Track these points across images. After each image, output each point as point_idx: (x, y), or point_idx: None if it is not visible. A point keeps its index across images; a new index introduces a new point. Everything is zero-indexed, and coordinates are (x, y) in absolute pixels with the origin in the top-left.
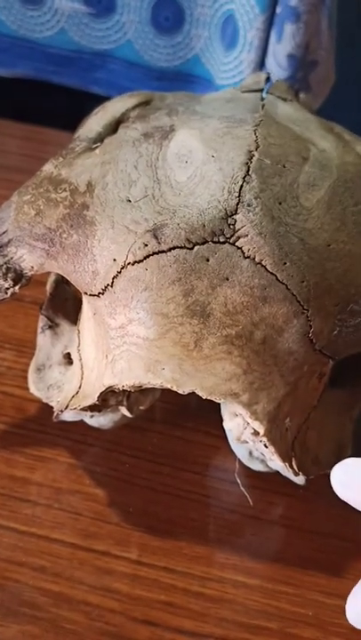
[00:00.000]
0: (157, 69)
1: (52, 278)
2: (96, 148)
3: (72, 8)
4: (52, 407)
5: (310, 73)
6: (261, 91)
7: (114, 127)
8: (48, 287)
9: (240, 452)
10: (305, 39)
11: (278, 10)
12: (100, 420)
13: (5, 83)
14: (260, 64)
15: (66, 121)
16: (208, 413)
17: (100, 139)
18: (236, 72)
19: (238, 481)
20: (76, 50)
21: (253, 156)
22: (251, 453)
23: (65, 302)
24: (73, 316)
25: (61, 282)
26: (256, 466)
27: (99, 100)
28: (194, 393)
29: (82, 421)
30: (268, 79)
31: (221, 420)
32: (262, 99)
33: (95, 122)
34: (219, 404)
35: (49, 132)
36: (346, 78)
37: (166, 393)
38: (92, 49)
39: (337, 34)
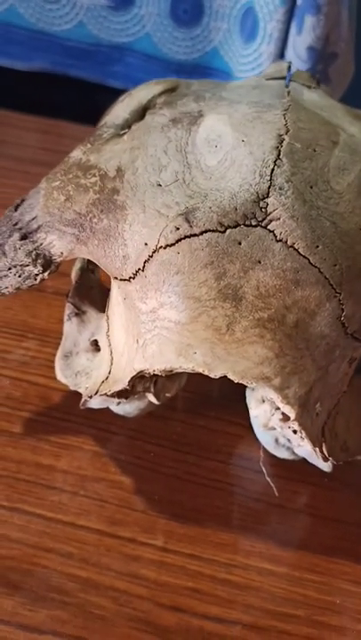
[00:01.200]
0: (176, 62)
1: (76, 266)
2: (124, 134)
3: (91, 1)
4: (76, 395)
5: (330, 65)
6: (284, 78)
7: (141, 114)
8: (73, 275)
9: (266, 439)
10: (325, 31)
11: (299, 2)
12: (126, 408)
13: (22, 76)
14: (280, 56)
15: (77, 113)
16: (230, 402)
17: (127, 125)
18: (255, 64)
19: (263, 469)
20: (94, 43)
21: (284, 139)
22: (277, 441)
23: (90, 290)
24: (99, 303)
25: (86, 270)
26: (282, 453)
27: (112, 92)
28: (217, 381)
29: (106, 410)
30: (289, 68)
31: (244, 410)
32: (287, 85)
33: (121, 109)
34: (240, 393)
35: (65, 125)
36: None
37: (188, 382)
38: (110, 42)
39: (357, 26)
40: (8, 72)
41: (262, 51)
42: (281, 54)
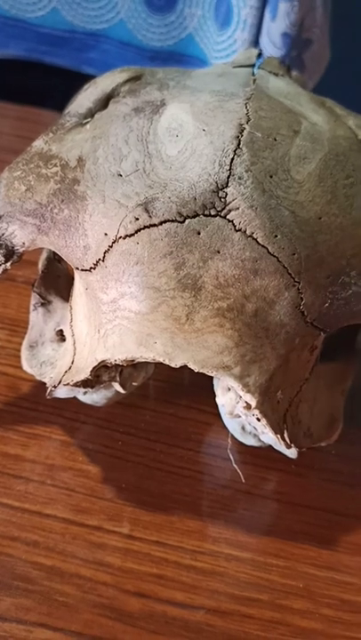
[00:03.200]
0: (150, 49)
1: (43, 256)
2: (87, 123)
3: None
4: (44, 385)
5: (305, 51)
6: (253, 66)
7: (104, 102)
8: (40, 265)
9: (233, 426)
10: (299, 17)
11: None
12: (94, 397)
13: None
14: (255, 43)
15: (60, 102)
16: (201, 390)
17: (90, 114)
18: (230, 51)
19: (231, 457)
20: (68, 30)
21: (244, 129)
22: (243, 428)
23: (57, 279)
24: (65, 293)
25: (53, 259)
26: (249, 440)
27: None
28: (187, 369)
29: (75, 399)
30: (259, 55)
31: (213, 397)
32: (253, 74)
33: (85, 97)
34: (210, 381)
35: (42, 113)
36: (340, 56)
37: (159, 370)
38: (84, 29)
39: (331, 12)
40: None
41: (237, 37)
42: (255, 41)
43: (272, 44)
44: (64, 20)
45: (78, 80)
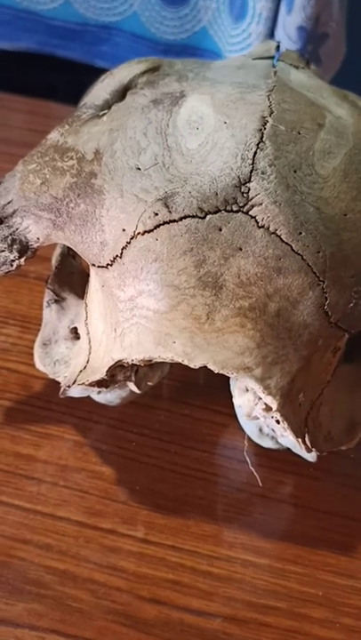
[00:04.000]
0: (164, 43)
1: (57, 251)
2: (103, 115)
3: None
4: (57, 383)
5: (321, 46)
6: (272, 58)
7: (121, 94)
8: (53, 261)
9: (250, 428)
10: (315, 11)
11: None
12: (108, 397)
13: (9, 56)
14: (270, 36)
15: (71, 95)
16: (216, 391)
17: (107, 106)
18: (244, 45)
19: (247, 459)
20: (81, 22)
21: (267, 122)
22: (261, 430)
23: (71, 276)
24: (79, 289)
25: (67, 255)
26: (266, 443)
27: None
28: (202, 369)
29: (88, 398)
30: (277, 47)
31: (230, 398)
32: (274, 65)
33: (102, 89)
34: (227, 382)
35: (53, 107)
36: (356, 51)
37: (173, 370)
38: (97, 22)
39: (348, 6)
40: None
41: (251, 30)
42: (271, 34)
43: (288, 38)
44: (76, 12)
45: (90, 74)
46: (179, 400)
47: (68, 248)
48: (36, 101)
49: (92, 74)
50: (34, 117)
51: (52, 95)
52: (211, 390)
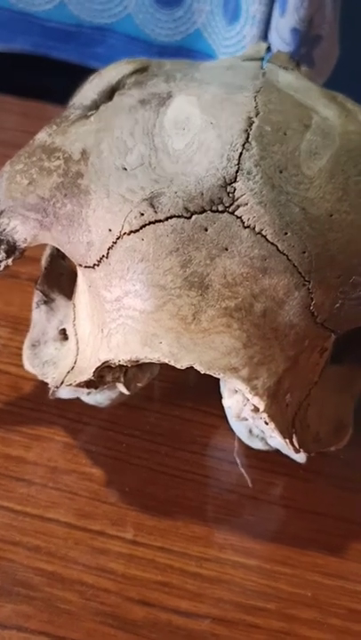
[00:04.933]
0: (158, 44)
1: (46, 252)
2: (91, 115)
3: None
4: (47, 385)
5: (314, 48)
6: (262, 60)
7: (109, 94)
8: (43, 261)
9: (239, 430)
10: (309, 13)
11: None
12: (97, 398)
13: (3, 57)
14: (264, 39)
15: (64, 97)
16: (207, 392)
17: (95, 106)
18: (238, 47)
19: (237, 460)
20: (75, 24)
21: (253, 122)
22: (250, 431)
23: (60, 277)
24: (68, 290)
25: (56, 256)
26: (256, 444)
27: None
28: (192, 370)
29: (78, 400)
30: (268, 49)
31: (220, 399)
32: (262, 67)
33: (90, 89)
34: (218, 383)
35: (47, 108)
36: (349, 54)
37: (164, 371)
38: (91, 23)
39: (341, 8)
40: None
41: (245, 33)
42: (264, 36)
43: (281, 40)
44: (71, 14)
45: (85, 75)
46: (169, 401)
47: (58, 249)
48: (30, 103)
49: (87, 75)
50: (27, 119)
51: (46, 96)
52: (201, 392)
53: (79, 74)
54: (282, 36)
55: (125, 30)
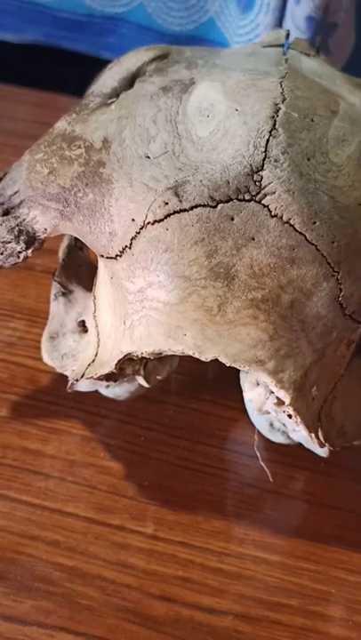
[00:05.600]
0: (170, 34)
1: (64, 243)
2: (112, 103)
3: None
4: (65, 378)
5: (330, 36)
6: (282, 46)
7: (130, 82)
8: (60, 253)
9: (260, 423)
10: (325, 1)
11: None
12: (116, 391)
13: (15, 48)
14: (278, 27)
15: (78, 88)
16: (225, 385)
17: (115, 94)
18: (252, 35)
19: (258, 454)
20: (87, 14)
21: (280, 109)
22: (272, 425)
23: (78, 268)
24: (87, 282)
25: (74, 247)
26: (277, 438)
27: None
28: (212, 363)
29: (96, 393)
30: (287, 36)
31: (239, 392)
32: (284, 53)
33: (110, 77)
34: (236, 375)
35: (60, 99)
36: None
37: (183, 363)
38: (103, 12)
39: None
40: (3, 45)
41: (260, 21)
42: (279, 24)
43: (296, 28)
44: (82, 3)
45: (97, 66)
46: (188, 394)
47: (76, 240)
48: (43, 93)
49: (99, 66)
50: (40, 109)
51: (58, 87)
52: (220, 384)
53: (91, 64)
54: (297, 23)
55: (137, 20)
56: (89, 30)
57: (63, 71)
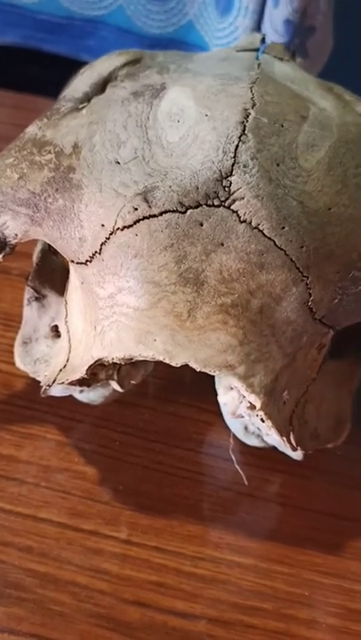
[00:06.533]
0: (150, 37)
1: (38, 248)
2: (83, 108)
3: None
4: (39, 383)
5: (308, 39)
6: (257, 50)
7: (101, 86)
8: (34, 257)
9: (235, 427)
10: (302, 4)
11: None
12: (90, 396)
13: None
14: (257, 30)
15: (57, 90)
16: (202, 389)
17: (86, 99)
18: (231, 38)
19: (233, 458)
20: (66, 16)
21: (250, 114)
22: (246, 428)
23: (52, 273)
24: (60, 287)
25: (48, 252)
26: (252, 441)
27: None
28: (187, 367)
29: (71, 397)
30: (263, 40)
31: (216, 396)
32: (258, 58)
33: (82, 81)
34: (213, 379)
35: (40, 101)
36: (343, 44)
37: (158, 367)
38: (82, 15)
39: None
40: None
41: (238, 24)
42: (258, 28)
43: (274, 31)
44: (61, 6)
45: (77, 68)
46: (164, 398)
47: (49, 245)
48: (22, 96)
49: (79, 68)
50: (19, 112)
51: (37, 89)
52: (196, 388)
53: (72, 67)
54: (275, 27)
55: (117, 22)
56: (69, 33)
57: (43, 73)
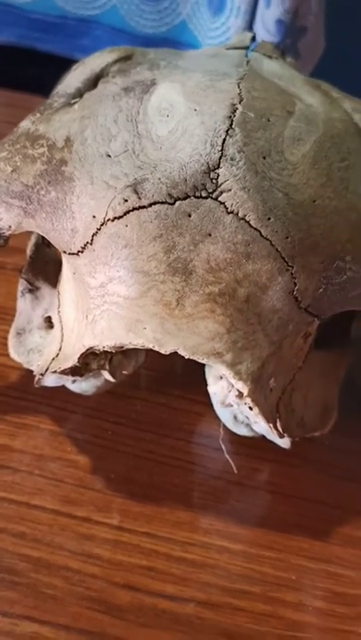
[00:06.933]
0: (143, 36)
1: (32, 241)
2: (75, 103)
3: None
4: (33, 373)
5: (299, 39)
6: (247, 48)
7: (93, 82)
8: (28, 250)
9: (225, 416)
10: (294, 4)
11: None
12: (83, 386)
13: None
14: (249, 30)
15: (51, 89)
16: (193, 380)
17: (79, 94)
18: (223, 38)
19: (223, 447)
20: (60, 15)
21: (237, 109)
22: (235, 417)
23: (45, 265)
24: (54, 279)
25: (42, 244)
26: (241, 430)
27: None
28: (179, 358)
29: (64, 388)
30: (253, 38)
31: (207, 387)
32: (247, 55)
33: (74, 77)
34: (203, 371)
35: (34, 100)
36: (335, 45)
37: (150, 359)
38: (76, 14)
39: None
40: None
41: (230, 24)
42: (250, 28)
43: (266, 31)
44: (55, 5)
45: (70, 67)
46: (156, 389)
47: (43, 237)
48: (16, 94)
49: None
50: (13, 110)
51: (32, 88)
52: (188, 379)
53: (66, 66)
54: (267, 27)
55: (110, 22)
56: (63, 32)
57: (37, 72)
